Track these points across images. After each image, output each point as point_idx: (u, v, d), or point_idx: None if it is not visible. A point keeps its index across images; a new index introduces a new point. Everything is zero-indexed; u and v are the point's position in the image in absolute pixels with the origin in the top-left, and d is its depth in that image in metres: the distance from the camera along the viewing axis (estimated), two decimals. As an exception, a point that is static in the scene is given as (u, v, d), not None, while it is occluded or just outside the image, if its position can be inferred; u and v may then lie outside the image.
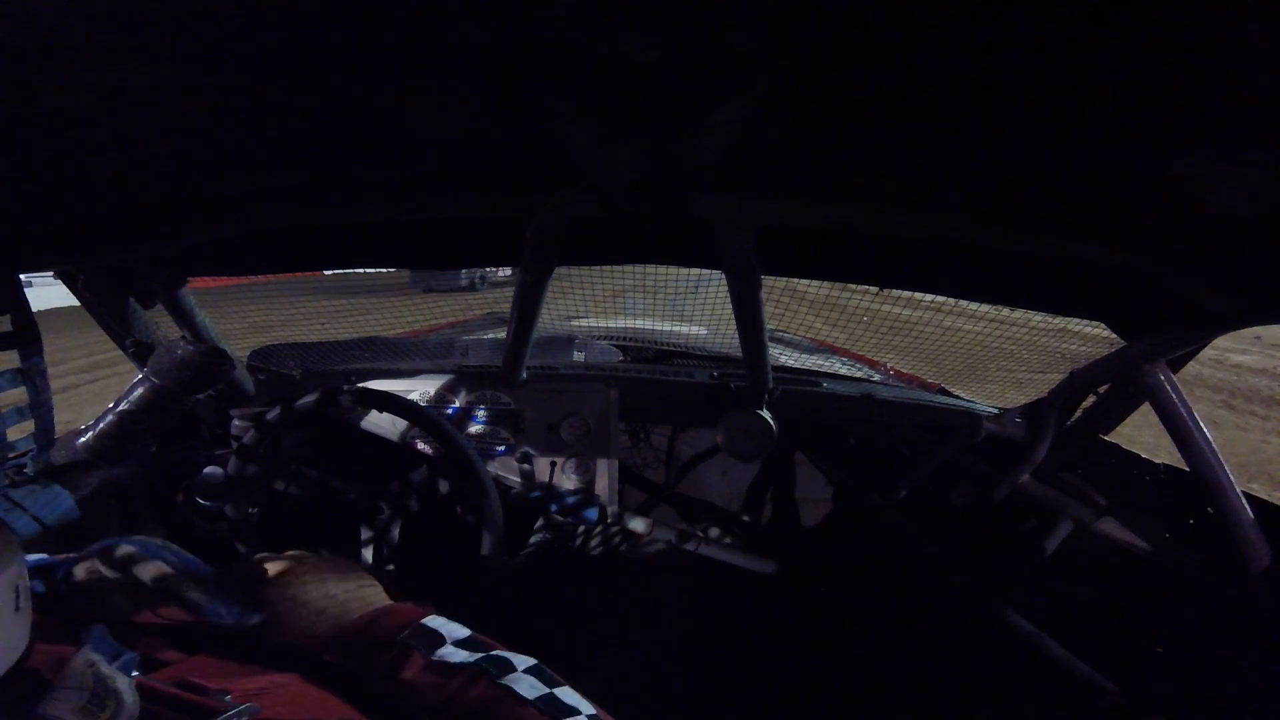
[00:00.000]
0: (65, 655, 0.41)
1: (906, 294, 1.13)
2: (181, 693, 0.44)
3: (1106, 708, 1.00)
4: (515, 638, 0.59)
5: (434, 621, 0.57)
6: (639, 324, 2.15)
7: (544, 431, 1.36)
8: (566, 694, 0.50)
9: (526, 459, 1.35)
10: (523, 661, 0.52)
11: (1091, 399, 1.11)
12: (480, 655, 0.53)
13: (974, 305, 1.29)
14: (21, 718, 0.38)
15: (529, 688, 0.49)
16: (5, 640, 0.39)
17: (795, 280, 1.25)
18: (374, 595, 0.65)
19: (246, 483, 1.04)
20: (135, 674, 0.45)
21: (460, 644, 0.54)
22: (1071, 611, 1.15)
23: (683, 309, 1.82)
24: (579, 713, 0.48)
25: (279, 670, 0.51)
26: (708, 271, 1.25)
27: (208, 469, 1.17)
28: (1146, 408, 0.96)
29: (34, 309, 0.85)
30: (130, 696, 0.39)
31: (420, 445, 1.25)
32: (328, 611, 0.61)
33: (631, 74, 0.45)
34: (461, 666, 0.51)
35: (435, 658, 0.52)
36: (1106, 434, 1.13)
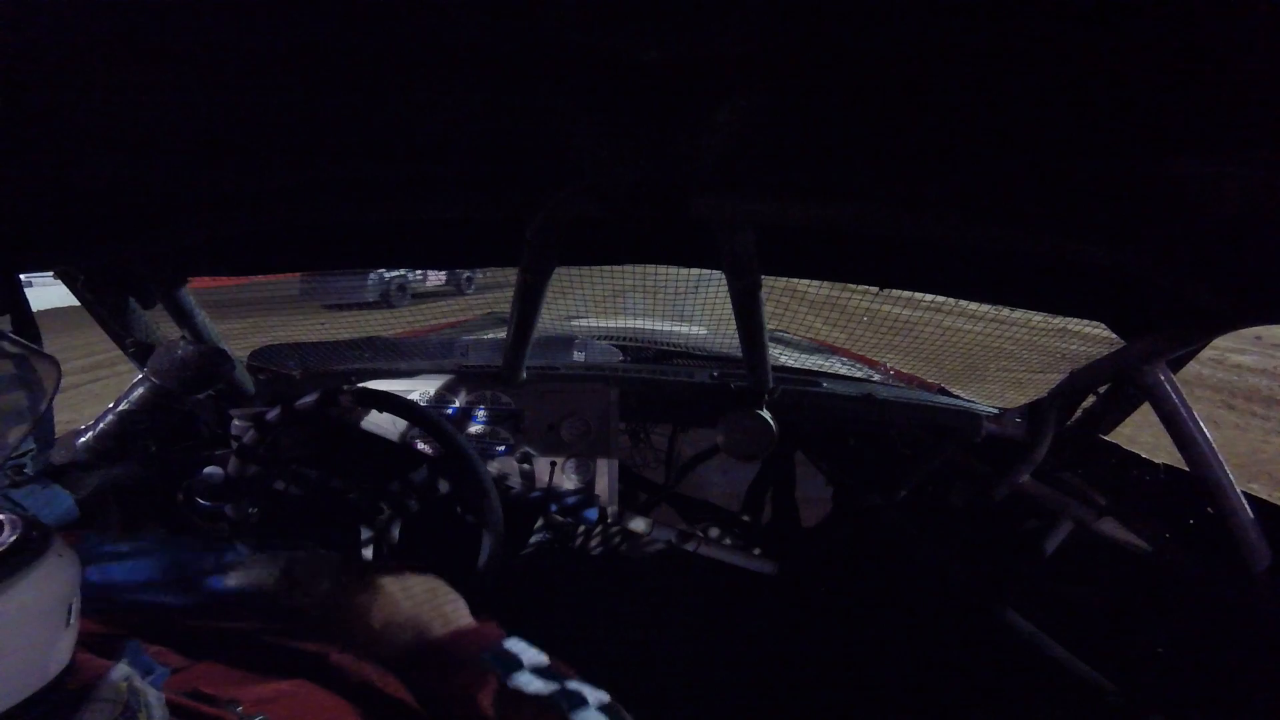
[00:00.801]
0: (92, 665, 0.42)
1: (906, 294, 1.13)
2: (192, 703, 0.44)
3: (1106, 708, 1.00)
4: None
5: (514, 645, 0.57)
6: (639, 324, 2.15)
7: (544, 431, 1.36)
8: None
9: (526, 459, 1.35)
10: (597, 698, 0.52)
11: (1091, 399, 1.11)
12: (555, 687, 0.52)
13: (974, 305, 1.29)
14: None
15: None
16: (52, 655, 0.39)
17: (795, 280, 1.25)
18: (455, 613, 0.63)
19: (246, 483, 1.04)
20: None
21: (537, 671, 0.54)
22: (1071, 611, 1.15)
23: (683, 309, 1.82)
24: None
25: (286, 677, 0.51)
26: (708, 271, 1.25)
27: (208, 469, 1.17)
28: (1146, 408, 0.96)
29: (34, 309, 0.86)
30: (160, 712, 0.40)
31: (420, 445, 1.25)
32: (410, 624, 0.60)
33: (631, 74, 0.45)
34: (534, 698, 0.51)
35: (510, 684, 0.52)
36: (1106, 434, 1.13)
